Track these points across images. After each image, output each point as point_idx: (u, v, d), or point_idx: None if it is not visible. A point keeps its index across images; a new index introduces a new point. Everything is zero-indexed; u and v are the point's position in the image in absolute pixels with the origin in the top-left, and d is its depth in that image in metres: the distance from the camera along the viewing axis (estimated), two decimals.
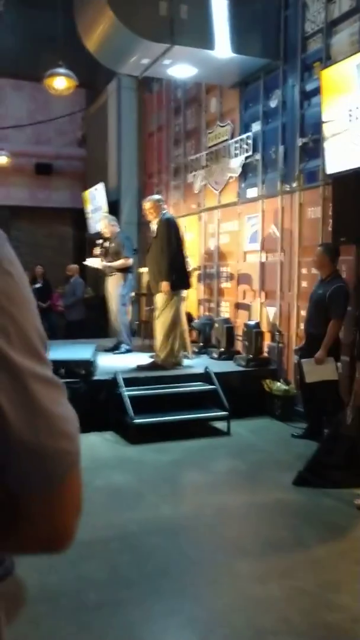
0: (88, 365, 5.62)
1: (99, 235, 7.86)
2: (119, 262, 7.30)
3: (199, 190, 8.28)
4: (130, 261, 7.39)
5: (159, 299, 6.22)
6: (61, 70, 6.13)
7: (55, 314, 11.22)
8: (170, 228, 6.15)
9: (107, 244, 7.53)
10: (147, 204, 6.38)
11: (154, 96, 10.04)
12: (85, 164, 13.70)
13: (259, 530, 3.49)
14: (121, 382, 5.53)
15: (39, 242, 13.90)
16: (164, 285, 6.06)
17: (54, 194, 14.10)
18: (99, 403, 5.56)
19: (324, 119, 5.06)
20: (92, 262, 7.66)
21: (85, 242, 12.74)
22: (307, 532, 3.42)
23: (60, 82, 6.10)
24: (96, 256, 7.61)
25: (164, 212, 6.33)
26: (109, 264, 7.34)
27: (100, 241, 7.63)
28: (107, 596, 2.74)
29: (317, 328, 4.96)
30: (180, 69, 6.68)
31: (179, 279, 6.19)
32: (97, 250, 7.58)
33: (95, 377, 5.69)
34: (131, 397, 5.39)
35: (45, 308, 11.29)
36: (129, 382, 5.66)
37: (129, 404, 5.30)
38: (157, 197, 6.60)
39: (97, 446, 5.10)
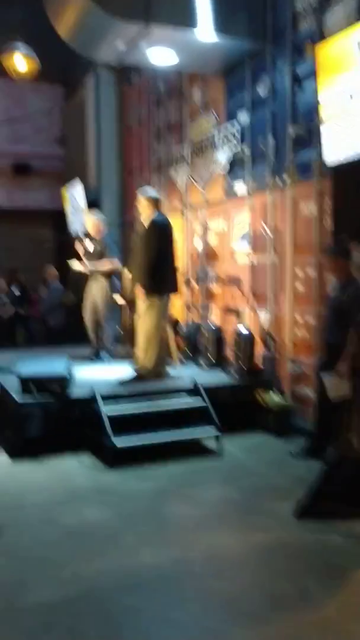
0: (62, 381, 5.06)
1: (85, 235, 7.31)
2: (106, 265, 6.75)
3: (182, 186, 7.73)
4: (117, 264, 6.85)
5: (140, 304, 5.68)
6: (20, 48, 5.54)
7: (35, 320, 10.64)
8: (154, 231, 5.60)
9: (92, 244, 6.97)
10: (140, 198, 5.81)
11: (134, 89, 9.49)
12: (64, 163, 13.12)
13: (257, 581, 2.94)
14: (99, 400, 4.97)
15: (17, 246, 13.29)
16: (140, 289, 5.53)
17: (33, 194, 13.49)
18: (74, 422, 5.00)
19: (320, 100, 4.54)
20: (76, 265, 7.09)
21: (65, 245, 12.15)
22: (313, 582, 2.89)
23: (21, 63, 5.52)
24: (80, 257, 7.05)
25: (156, 212, 5.75)
26: (95, 266, 6.78)
27: (85, 240, 7.07)
28: None
29: (337, 337, 4.40)
30: (160, 54, 6.13)
31: (163, 283, 5.64)
32: (80, 251, 7.02)
33: (71, 394, 5.12)
34: (111, 417, 4.83)
35: (25, 315, 10.71)
36: (109, 398, 5.10)
37: (108, 424, 4.74)
38: (151, 194, 5.87)
39: (71, 472, 4.54)
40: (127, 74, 9.50)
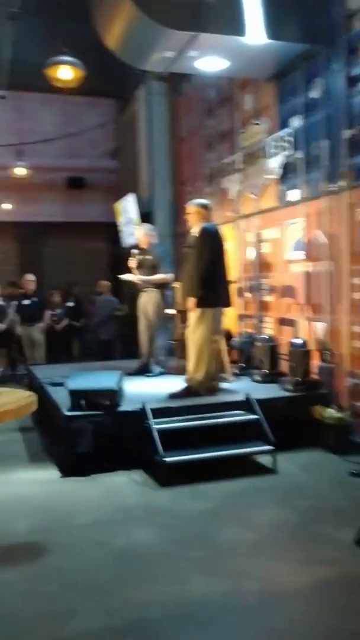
0: (112, 395, 4.96)
1: (135, 246, 7.25)
2: (159, 277, 6.66)
3: (234, 196, 7.58)
4: (170, 276, 6.75)
5: (191, 316, 5.55)
6: (66, 58, 5.54)
7: (89, 332, 10.69)
8: (205, 238, 5.46)
9: (143, 256, 6.89)
10: (189, 208, 5.72)
11: (185, 99, 9.43)
12: (118, 177, 13.20)
13: (315, 618, 2.72)
14: (149, 414, 4.85)
15: (72, 259, 13.45)
16: (190, 301, 5.40)
17: (87, 208, 13.64)
18: (125, 438, 4.89)
19: None
20: (128, 276, 7.02)
21: (119, 257, 12.19)
22: None
23: (66, 72, 5.52)
24: (131, 269, 6.98)
25: (207, 220, 5.63)
26: (147, 277, 6.70)
27: (136, 252, 7.00)
28: None
29: None
30: (209, 61, 6.02)
31: (215, 293, 5.49)
32: (132, 263, 6.95)
33: (121, 408, 5.02)
34: (161, 432, 4.70)
35: (79, 327, 10.78)
36: (159, 412, 4.97)
37: (158, 440, 4.61)
38: (201, 201, 5.84)
39: (121, 490, 4.42)
40: (178, 84, 9.46)
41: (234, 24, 5.37)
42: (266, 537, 3.57)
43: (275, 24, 5.46)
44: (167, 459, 4.50)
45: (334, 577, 3.04)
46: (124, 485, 4.52)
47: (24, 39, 8.48)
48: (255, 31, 5.43)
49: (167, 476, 4.46)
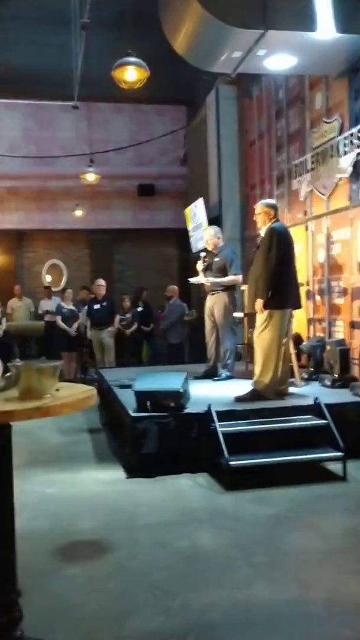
0: (178, 397, 4.93)
1: (203, 250, 7.22)
2: (227, 279, 6.60)
3: (304, 197, 7.42)
4: (239, 278, 6.67)
5: (259, 318, 5.44)
6: (131, 59, 5.59)
7: (158, 337, 10.76)
8: (273, 239, 5.35)
9: (211, 258, 6.85)
10: (257, 209, 5.64)
11: (254, 102, 9.34)
12: (187, 183, 13.26)
13: None
14: (215, 417, 4.77)
15: (143, 265, 13.62)
16: (257, 303, 5.29)
17: (157, 214, 13.79)
18: (190, 440, 4.84)
19: None
20: (197, 279, 7.00)
21: (189, 263, 12.23)
22: None
23: (131, 74, 5.57)
24: (199, 272, 6.95)
25: (275, 220, 5.53)
26: (216, 279, 6.64)
27: (203, 254, 6.97)
28: None
29: None
30: (278, 59, 5.94)
31: (284, 295, 5.36)
32: (199, 266, 6.92)
33: (186, 410, 4.98)
34: (226, 434, 4.62)
35: (149, 332, 10.86)
36: (225, 415, 4.89)
37: (223, 442, 4.53)
38: (269, 201, 5.79)
39: (186, 493, 4.37)
40: (247, 87, 9.40)
41: (303, 20, 5.28)
42: (335, 547, 3.41)
43: (346, 17, 5.32)
44: (232, 463, 4.41)
45: None
46: (188, 488, 4.47)
47: (95, 50, 8.68)
48: (326, 26, 5.31)
49: (232, 480, 4.37)
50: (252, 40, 5.50)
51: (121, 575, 3.11)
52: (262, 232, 5.55)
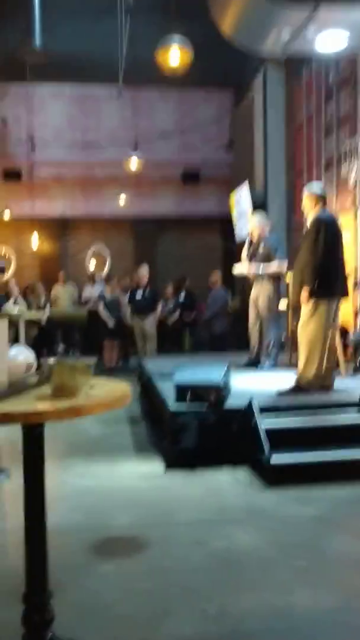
0: (218, 391, 4.80)
1: (249, 237, 7.04)
2: (273, 267, 6.42)
3: (354, 183, 7.13)
4: (285, 266, 6.49)
5: (304, 308, 5.25)
6: (175, 37, 5.40)
7: (200, 326, 10.64)
8: (319, 227, 5.14)
9: (257, 246, 6.68)
10: (305, 196, 5.42)
11: (303, 85, 9.04)
12: (232, 169, 13.03)
13: None
14: (257, 411, 4.63)
15: (186, 253, 13.49)
16: (303, 292, 5.10)
17: (201, 202, 13.62)
18: (231, 434, 4.71)
19: None
20: (241, 268, 6.84)
21: (233, 252, 12.05)
22: None
23: (175, 55, 5.39)
24: (244, 260, 6.78)
25: (322, 209, 5.31)
26: (261, 268, 6.47)
27: (248, 242, 6.80)
28: None
29: None
30: (329, 38, 5.67)
31: (330, 285, 5.16)
32: (244, 253, 6.76)
33: (227, 404, 4.85)
34: (268, 430, 4.47)
35: (191, 321, 10.76)
36: (267, 410, 4.75)
37: (265, 438, 4.39)
38: (315, 188, 5.50)
39: (225, 489, 4.25)
40: (296, 70, 9.10)
41: None
42: None
43: None
44: (274, 460, 4.27)
45: None
46: (227, 484, 4.35)
47: (139, 34, 8.54)
48: None
49: (273, 477, 4.23)
50: (301, 19, 5.26)
51: (156, 575, 3.02)
52: (309, 221, 5.34)
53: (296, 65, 8.95)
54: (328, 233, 5.15)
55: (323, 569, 3.05)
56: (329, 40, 5.72)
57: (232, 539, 3.42)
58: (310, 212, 5.34)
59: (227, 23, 5.96)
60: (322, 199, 5.36)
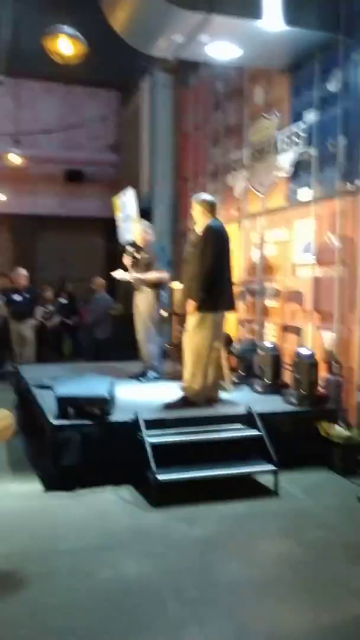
0: (103, 404, 4.57)
1: (131, 244, 6.85)
2: (153, 276, 6.27)
3: (240, 193, 7.19)
4: (166, 275, 6.37)
5: (190, 319, 5.15)
6: (66, 28, 5.11)
7: (82, 331, 10.28)
8: (210, 237, 5.07)
9: (139, 253, 6.51)
10: (194, 205, 5.31)
11: (191, 91, 9.03)
12: (118, 171, 12.79)
13: None
14: (143, 426, 4.45)
15: (67, 254, 13.03)
16: (190, 304, 5.02)
17: (85, 202, 13.21)
18: (116, 450, 4.49)
19: None
20: (121, 274, 6.64)
21: (115, 254, 11.81)
22: None
23: (66, 46, 5.09)
24: (126, 267, 6.59)
25: (212, 218, 5.23)
26: (141, 276, 6.31)
27: (131, 249, 6.62)
28: None
29: None
30: (221, 48, 5.63)
31: (218, 297, 5.10)
32: (126, 260, 6.57)
33: (113, 418, 4.62)
34: (155, 446, 4.31)
35: (72, 325, 10.39)
36: (153, 424, 4.58)
37: (151, 454, 4.22)
38: (205, 197, 5.39)
39: (110, 510, 4.03)
40: (185, 76, 9.06)
41: (250, 6, 4.99)
42: (269, 575, 3.18)
43: (293, 9, 5.08)
44: (161, 477, 4.11)
45: (346, 626, 2.67)
46: (112, 504, 4.13)
47: (25, 23, 8.07)
48: (272, 16, 5.05)
49: (160, 496, 4.07)
50: (195, 24, 5.16)
51: (36, 618, 2.73)
52: (198, 229, 5.26)
53: (185, 71, 8.91)
54: (219, 242, 5.09)
55: (214, 599, 2.92)
56: (221, 49, 5.68)
57: (119, 567, 3.21)
58: (200, 220, 5.26)
59: (118, 19, 5.71)
60: (212, 208, 5.29)
